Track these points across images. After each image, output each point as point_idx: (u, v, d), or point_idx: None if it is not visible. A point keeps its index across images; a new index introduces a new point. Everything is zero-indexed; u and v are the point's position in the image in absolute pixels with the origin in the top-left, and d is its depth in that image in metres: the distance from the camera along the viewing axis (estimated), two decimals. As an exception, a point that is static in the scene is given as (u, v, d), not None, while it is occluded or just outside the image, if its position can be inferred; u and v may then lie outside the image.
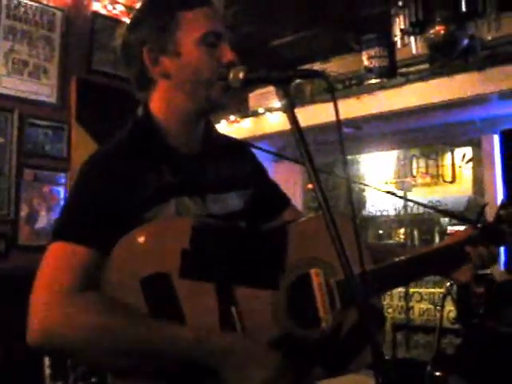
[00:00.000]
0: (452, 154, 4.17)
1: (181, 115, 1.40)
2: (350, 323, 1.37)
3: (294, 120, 1.16)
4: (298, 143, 1.13)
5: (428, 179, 4.35)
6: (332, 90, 1.25)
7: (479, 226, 1.57)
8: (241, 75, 1.29)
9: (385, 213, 4.54)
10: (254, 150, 1.64)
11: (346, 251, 1.05)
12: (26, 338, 1.16)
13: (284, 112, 1.19)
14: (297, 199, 4.29)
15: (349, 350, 1.38)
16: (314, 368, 1.34)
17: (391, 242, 4.63)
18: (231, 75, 1.31)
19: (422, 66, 3.29)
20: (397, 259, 1.48)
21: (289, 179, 4.29)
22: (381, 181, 4.56)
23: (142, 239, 1.24)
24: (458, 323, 3.06)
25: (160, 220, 1.29)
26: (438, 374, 2.70)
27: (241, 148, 1.61)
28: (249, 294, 1.28)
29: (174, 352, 1.19)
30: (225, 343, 1.21)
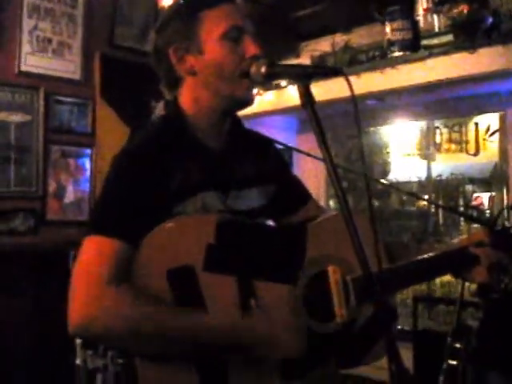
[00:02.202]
0: (476, 126, 4.12)
1: (207, 112, 1.45)
2: (364, 319, 1.43)
3: (315, 118, 1.18)
4: (319, 143, 1.15)
5: (453, 146, 4.31)
6: (350, 86, 1.25)
7: (496, 227, 1.57)
8: (262, 70, 1.33)
9: (409, 179, 4.50)
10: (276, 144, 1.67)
11: (364, 249, 1.09)
12: (67, 327, 1.23)
13: (303, 108, 1.21)
14: (319, 175, 4.29)
15: (362, 344, 1.44)
16: (329, 360, 1.41)
17: (414, 208, 4.62)
18: (253, 69, 1.34)
19: (445, 38, 3.23)
20: (408, 261, 1.53)
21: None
22: (404, 152, 4.53)
23: (169, 233, 1.30)
24: (478, 297, 3.08)
25: (187, 215, 1.35)
26: (457, 345, 2.74)
27: (266, 144, 1.65)
28: (268, 288, 1.34)
29: (208, 339, 1.26)
30: (257, 327, 1.30)
